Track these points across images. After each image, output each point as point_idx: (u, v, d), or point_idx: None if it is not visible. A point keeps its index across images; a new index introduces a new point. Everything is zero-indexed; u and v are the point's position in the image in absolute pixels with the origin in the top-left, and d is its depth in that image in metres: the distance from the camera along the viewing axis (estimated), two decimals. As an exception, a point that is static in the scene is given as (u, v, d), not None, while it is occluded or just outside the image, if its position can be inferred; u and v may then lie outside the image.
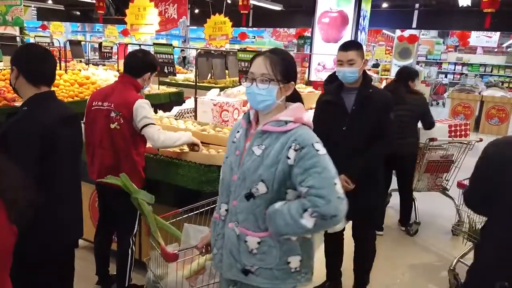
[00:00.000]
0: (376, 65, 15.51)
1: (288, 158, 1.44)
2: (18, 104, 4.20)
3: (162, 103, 5.69)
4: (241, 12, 8.30)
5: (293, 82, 1.57)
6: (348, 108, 2.58)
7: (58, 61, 7.17)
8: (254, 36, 19.36)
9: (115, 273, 2.76)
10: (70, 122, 1.94)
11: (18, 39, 6.64)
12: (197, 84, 3.88)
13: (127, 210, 2.44)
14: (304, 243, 1.55)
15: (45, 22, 15.11)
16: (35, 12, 14.77)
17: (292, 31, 17.66)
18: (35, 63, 1.89)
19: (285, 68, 1.53)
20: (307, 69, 8.87)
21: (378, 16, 11.76)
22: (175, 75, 4.39)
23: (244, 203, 1.50)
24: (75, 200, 2.05)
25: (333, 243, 2.94)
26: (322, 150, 1.45)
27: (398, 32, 14.95)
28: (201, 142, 2.84)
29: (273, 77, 1.51)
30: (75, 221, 2.05)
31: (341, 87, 2.63)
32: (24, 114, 1.82)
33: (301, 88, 5.74)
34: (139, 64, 2.59)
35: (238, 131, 1.64)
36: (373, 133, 2.54)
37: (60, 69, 5.80)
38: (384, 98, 2.62)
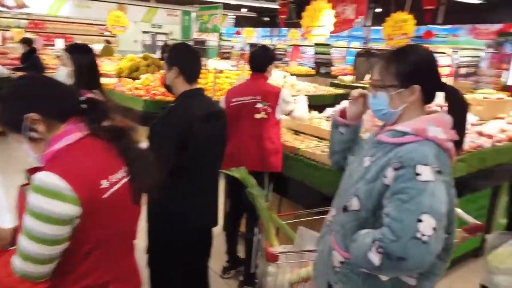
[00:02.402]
0: None
1: (385, 177, 1.22)
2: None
3: (325, 104, 5.66)
4: (425, 8, 7.50)
5: (416, 86, 1.29)
6: None
7: (243, 62, 8.00)
8: (446, 35, 17.23)
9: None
10: (209, 118, 2.05)
11: (212, 43, 7.65)
12: (355, 84, 3.72)
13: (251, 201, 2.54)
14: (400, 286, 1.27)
15: (240, 28, 17.04)
16: (233, 20, 16.84)
17: (498, 26, 14.97)
18: (194, 63, 2.09)
19: (401, 70, 1.29)
20: (504, 72, 7.42)
21: None
22: (329, 76, 4.31)
23: (341, 214, 1.36)
24: (209, 190, 2.18)
25: None
26: (427, 176, 1.14)
27: None
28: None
29: (381, 82, 1.32)
30: (207, 209, 2.18)
31: None
32: (170, 110, 2.03)
33: (488, 93, 4.84)
34: (263, 60, 2.85)
35: None
36: None
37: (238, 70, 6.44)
38: None
